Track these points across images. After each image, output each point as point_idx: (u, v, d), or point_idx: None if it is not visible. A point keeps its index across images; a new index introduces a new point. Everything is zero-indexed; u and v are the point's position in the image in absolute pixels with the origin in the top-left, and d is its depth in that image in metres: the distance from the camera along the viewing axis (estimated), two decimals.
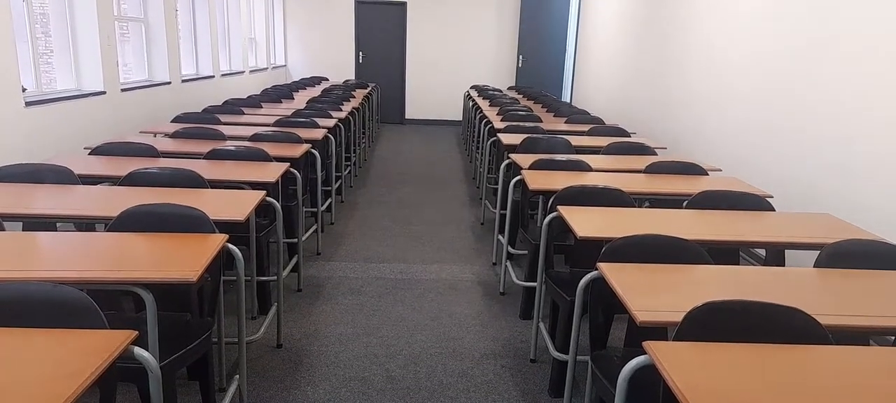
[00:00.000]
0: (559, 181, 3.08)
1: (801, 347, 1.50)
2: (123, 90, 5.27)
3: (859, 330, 1.68)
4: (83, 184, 2.79)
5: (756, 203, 2.87)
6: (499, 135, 4.84)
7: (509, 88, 10.20)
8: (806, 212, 2.80)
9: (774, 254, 2.70)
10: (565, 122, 5.88)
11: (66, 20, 4.76)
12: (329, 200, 4.96)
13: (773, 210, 2.84)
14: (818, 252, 2.19)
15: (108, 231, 2.17)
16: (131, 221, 2.20)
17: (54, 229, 2.56)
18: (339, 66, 11.05)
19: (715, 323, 1.57)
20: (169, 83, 6.19)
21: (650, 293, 1.77)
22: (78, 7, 4.78)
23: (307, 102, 6.38)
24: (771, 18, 4.29)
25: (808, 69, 3.83)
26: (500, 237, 4.01)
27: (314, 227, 4.33)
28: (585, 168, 3.56)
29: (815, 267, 2.13)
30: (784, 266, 2.65)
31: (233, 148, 3.54)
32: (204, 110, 5.37)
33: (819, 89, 3.71)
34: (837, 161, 3.51)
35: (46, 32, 4.68)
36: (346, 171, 6.02)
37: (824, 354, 1.48)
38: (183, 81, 6.58)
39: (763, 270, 2.04)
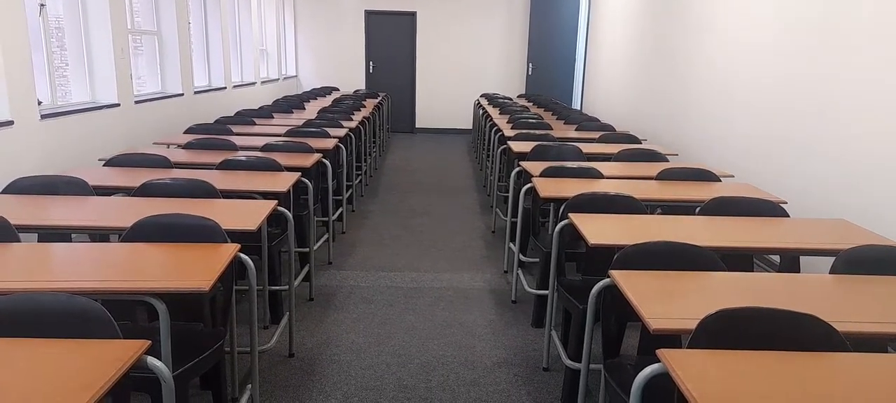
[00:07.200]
0: (570, 188, 3.07)
1: (818, 354, 1.48)
2: (137, 102, 5.32)
3: (877, 337, 1.66)
4: (97, 195, 2.82)
5: (770, 209, 2.85)
6: (509, 142, 4.84)
7: (519, 96, 10.21)
8: (820, 218, 2.77)
9: (789, 261, 2.68)
10: (575, 130, 5.87)
11: (81, 34, 4.83)
12: (340, 209, 4.97)
13: (787, 216, 2.82)
14: (834, 258, 2.16)
15: (121, 241, 2.19)
16: (145, 232, 2.22)
17: (69, 240, 2.59)
18: (350, 76, 11.11)
19: (729, 331, 1.55)
20: (181, 95, 6.25)
21: (663, 300, 1.76)
22: (92, 21, 4.84)
23: (318, 112, 6.41)
24: (784, 22, 4.27)
25: (822, 74, 3.80)
26: (512, 245, 4.00)
27: (325, 237, 4.35)
28: (596, 175, 3.54)
29: (830, 273, 2.11)
30: (799, 272, 2.62)
31: (244, 158, 3.57)
32: (216, 121, 5.41)
33: (833, 94, 3.68)
34: (852, 166, 3.47)
35: (61, 46, 4.75)
36: (357, 181, 6.04)
37: (841, 361, 1.46)
38: (195, 93, 6.64)
39: (778, 277, 2.02)
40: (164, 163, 3.49)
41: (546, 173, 3.51)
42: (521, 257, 3.72)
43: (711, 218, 2.73)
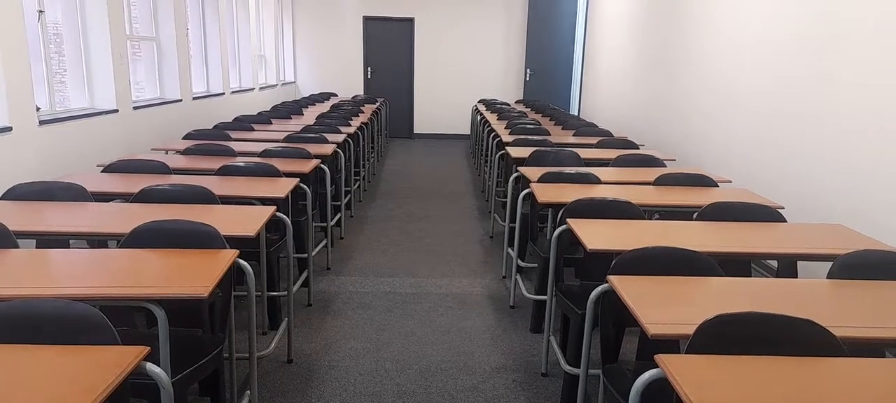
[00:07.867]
0: (568, 194, 3.08)
1: (815, 359, 1.49)
2: (135, 108, 5.33)
3: (874, 342, 1.66)
4: (96, 201, 2.82)
5: (767, 214, 2.85)
6: (507, 148, 4.85)
7: (517, 102, 10.23)
8: (818, 223, 2.78)
9: (786, 266, 2.68)
10: (573, 135, 5.88)
11: (80, 40, 4.83)
12: (339, 215, 4.97)
13: (784, 221, 2.83)
14: (831, 263, 2.17)
15: (120, 247, 2.19)
16: (143, 238, 2.22)
17: (67, 246, 2.59)
18: (348, 81, 11.13)
19: (727, 336, 1.56)
20: (180, 101, 6.25)
21: (662, 305, 1.76)
22: (91, 27, 4.85)
23: (316, 118, 6.42)
24: (781, 29, 4.29)
25: (819, 79, 3.82)
26: (510, 250, 4.01)
27: (324, 242, 4.35)
28: (594, 180, 3.55)
29: (827, 278, 2.12)
30: (796, 277, 2.63)
31: (243, 164, 3.57)
32: (215, 127, 5.42)
33: (830, 99, 3.70)
34: (849, 171, 3.49)
35: (60, 52, 4.75)
36: (356, 186, 6.04)
37: (839, 366, 1.46)
38: (194, 99, 6.65)
39: (775, 282, 2.02)
40: (162, 168, 3.49)
41: (544, 178, 3.51)
42: (520, 262, 3.72)
43: (709, 223, 2.74)
